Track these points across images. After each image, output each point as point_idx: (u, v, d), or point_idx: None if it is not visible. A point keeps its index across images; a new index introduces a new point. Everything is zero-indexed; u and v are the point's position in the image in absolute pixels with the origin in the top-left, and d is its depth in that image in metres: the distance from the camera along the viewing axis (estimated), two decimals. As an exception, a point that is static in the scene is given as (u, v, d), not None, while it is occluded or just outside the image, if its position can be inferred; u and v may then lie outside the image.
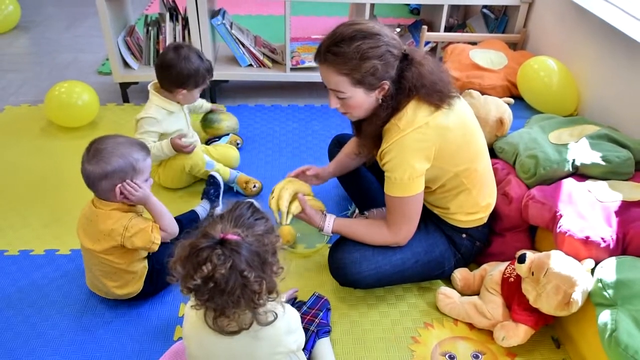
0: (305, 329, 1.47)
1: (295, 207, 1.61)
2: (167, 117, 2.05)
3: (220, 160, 2.23)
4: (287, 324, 1.19)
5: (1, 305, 1.67)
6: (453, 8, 3.40)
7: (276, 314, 1.13)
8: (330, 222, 1.62)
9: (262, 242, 1.08)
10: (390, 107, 1.47)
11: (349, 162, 1.89)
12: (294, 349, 1.22)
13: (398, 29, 3.25)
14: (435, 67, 1.50)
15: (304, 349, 1.43)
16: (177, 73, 1.97)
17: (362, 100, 1.46)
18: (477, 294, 1.70)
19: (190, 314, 1.20)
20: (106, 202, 1.52)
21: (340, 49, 1.39)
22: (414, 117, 1.46)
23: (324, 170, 1.87)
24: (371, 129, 1.53)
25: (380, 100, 1.47)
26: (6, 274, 1.78)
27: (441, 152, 1.49)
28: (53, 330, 1.60)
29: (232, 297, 1.03)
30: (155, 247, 1.53)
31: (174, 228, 1.59)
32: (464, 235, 1.71)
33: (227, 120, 2.46)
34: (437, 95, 1.47)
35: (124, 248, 1.52)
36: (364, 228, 1.65)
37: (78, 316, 1.64)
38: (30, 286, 1.74)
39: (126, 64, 2.76)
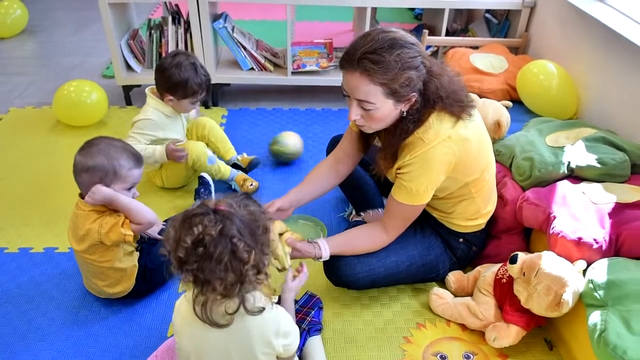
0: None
1: (287, 249, 1.51)
2: (166, 121, 2.07)
3: (219, 146, 2.27)
4: (277, 324, 1.19)
5: (0, 301, 1.70)
6: (456, 14, 3.42)
7: (264, 308, 1.14)
8: (326, 248, 1.55)
9: (254, 217, 1.10)
10: (415, 119, 1.44)
11: (327, 186, 1.77)
12: (281, 352, 1.22)
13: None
14: (453, 77, 1.47)
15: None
16: (166, 77, 1.98)
17: (389, 112, 1.42)
18: (471, 295, 1.70)
19: (181, 308, 1.22)
20: (86, 204, 1.53)
21: (381, 57, 1.33)
22: (439, 129, 1.43)
23: (285, 201, 1.68)
24: (394, 142, 1.49)
25: (404, 113, 1.44)
26: (6, 271, 1.81)
27: (459, 163, 1.48)
28: (50, 326, 1.62)
29: (219, 266, 1.04)
30: (130, 239, 1.53)
31: (148, 217, 1.56)
32: (461, 240, 1.72)
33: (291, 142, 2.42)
34: (458, 106, 1.45)
35: (104, 245, 1.53)
36: (363, 240, 1.61)
37: (74, 312, 1.66)
38: (29, 282, 1.77)
39: (129, 67, 2.80)
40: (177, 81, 1.98)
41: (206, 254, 1.03)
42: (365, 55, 1.34)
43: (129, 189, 1.55)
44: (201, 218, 1.05)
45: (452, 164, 1.47)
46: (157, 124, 2.04)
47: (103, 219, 1.51)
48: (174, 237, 1.07)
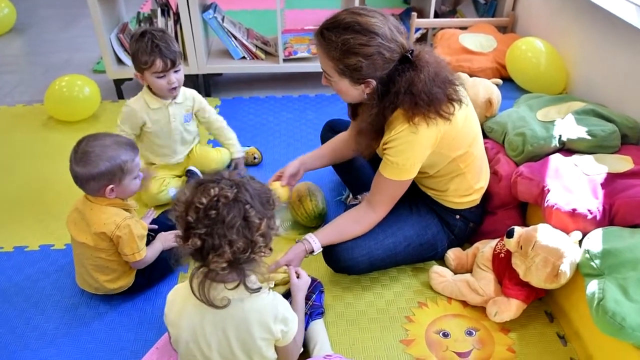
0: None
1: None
2: (149, 110, 1.95)
3: (196, 162, 2.17)
4: (275, 309, 1.19)
5: (-3, 301, 1.69)
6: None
7: (260, 287, 1.15)
8: (315, 240, 1.57)
9: (264, 190, 1.13)
10: (376, 105, 1.45)
11: (345, 152, 1.86)
12: (279, 338, 1.21)
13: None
14: (434, 76, 1.42)
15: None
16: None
17: (347, 89, 1.47)
18: (471, 272, 1.70)
19: (177, 298, 1.20)
20: (100, 198, 1.53)
21: (331, 35, 1.38)
22: None
23: (310, 158, 1.85)
24: (364, 120, 1.51)
25: (366, 96, 1.47)
26: (1, 271, 1.79)
27: (444, 138, 1.48)
28: (48, 324, 1.60)
29: (231, 230, 1.04)
30: (136, 257, 1.57)
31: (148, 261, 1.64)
32: (457, 217, 1.72)
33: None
34: (424, 106, 1.41)
35: (115, 246, 1.55)
36: (351, 225, 1.61)
37: (73, 309, 1.65)
38: (26, 281, 1.75)
39: (119, 61, 2.77)
40: (131, 53, 1.87)
41: (218, 217, 1.04)
42: (322, 30, 1.42)
43: (135, 177, 1.55)
44: (216, 183, 1.07)
45: (438, 138, 1.47)
46: (137, 112, 1.93)
47: (124, 221, 1.52)
48: (185, 200, 1.07)
